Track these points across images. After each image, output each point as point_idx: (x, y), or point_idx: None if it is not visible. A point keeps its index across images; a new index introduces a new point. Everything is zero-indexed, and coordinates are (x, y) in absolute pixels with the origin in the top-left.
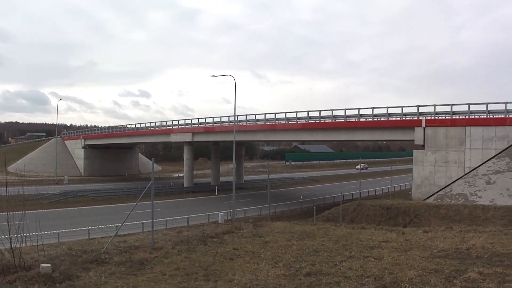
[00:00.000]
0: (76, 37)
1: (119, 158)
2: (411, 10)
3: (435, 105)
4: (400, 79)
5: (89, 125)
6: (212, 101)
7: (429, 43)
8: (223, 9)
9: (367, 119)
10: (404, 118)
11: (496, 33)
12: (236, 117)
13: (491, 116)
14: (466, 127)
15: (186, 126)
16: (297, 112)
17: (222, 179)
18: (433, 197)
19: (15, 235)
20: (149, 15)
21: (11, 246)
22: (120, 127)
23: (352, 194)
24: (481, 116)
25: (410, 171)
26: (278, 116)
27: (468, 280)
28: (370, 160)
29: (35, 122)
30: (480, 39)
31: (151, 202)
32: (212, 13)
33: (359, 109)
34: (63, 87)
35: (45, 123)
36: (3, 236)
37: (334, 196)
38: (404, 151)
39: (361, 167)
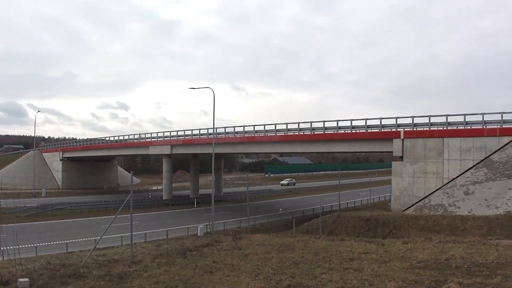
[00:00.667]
0: (54, 48)
1: (98, 170)
2: (387, 24)
3: (413, 117)
4: (377, 91)
5: (67, 138)
6: (191, 113)
7: (405, 56)
8: (200, 21)
9: (346, 131)
10: (382, 130)
11: (469, 45)
12: (215, 129)
13: (469, 127)
14: (444, 139)
15: (165, 138)
16: (276, 124)
17: (201, 191)
18: (412, 208)
19: None
20: (127, 26)
21: None
22: (99, 140)
23: (332, 206)
24: (459, 128)
25: (389, 182)
26: (257, 128)
27: None
28: (349, 171)
29: (13, 134)
30: (455, 52)
31: (130, 215)
32: (189, 24)
33: (337, 121)
34: (41, 99)
35: (23, 135)
36: None
37: (313, 208)
38: (383, 162)
39: (287, 182)
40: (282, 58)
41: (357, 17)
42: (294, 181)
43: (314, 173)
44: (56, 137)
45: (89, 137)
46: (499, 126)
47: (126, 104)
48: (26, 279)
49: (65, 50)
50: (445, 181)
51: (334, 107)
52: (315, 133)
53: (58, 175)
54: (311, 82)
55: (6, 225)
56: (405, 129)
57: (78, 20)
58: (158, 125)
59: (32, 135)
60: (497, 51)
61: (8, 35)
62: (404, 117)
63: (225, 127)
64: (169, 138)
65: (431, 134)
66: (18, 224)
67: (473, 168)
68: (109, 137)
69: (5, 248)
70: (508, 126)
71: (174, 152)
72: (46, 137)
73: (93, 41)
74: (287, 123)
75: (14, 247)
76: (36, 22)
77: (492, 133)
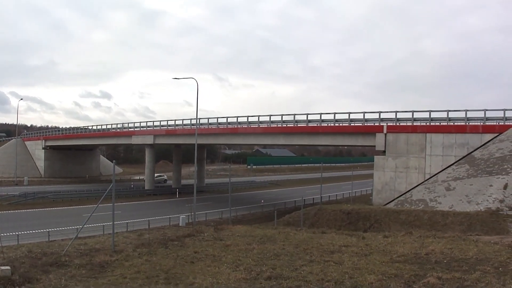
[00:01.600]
0: (35, 36)
1: (80, 159)
2: (371, 19)
3: (396, 112)
4: (361, 85)
5: (50, 126)
6: (174, 103)
7: (389, 51)
8: (184, 11)
9: (329, 124)
10: (365, 124)
11: (453, 42)
12: (198, 120)
13: (452, 124)
14: (427, 134)
15: (148, 128)
16: (259, 116)
17: (184, 182)
18: (393, 202)
19: None
20: (110, 15)
21: None
22: (81, 129)
23: (313, 198)
24: (442, 123)
25: (371, 176)
26: (240, 119)
27: (427, 285)
28: (332, 165)
29: None
30: (438, 49)
31: (112, 204)
32: (173, 15)
33: (321, 114)
34: (23, 86)
35: (5, 123)
36: None
37: (295, 200)
38: (366, 156)
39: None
40: (266, 50)
41: (341, 12)
42: (165, 177)
43: (296, 165)
44: (38, 125)
45: (72, 126)
46: (482, 123)
47: (109, 93)
48: (8, 267)
49: (47, 38)
50: (427, 177)
51: (318, 100)
52: (298, 125)
53: (40, 163)
54: (295, 75)
55: None
56: (388, 124)
57: (60, 8)
58: (141, 114)
59: (14, 123)
60: (480, 49)
61: None
62: (387, 112)
63: (208, 118)
64: (152, 128)
65: (414, 129)
66: None
67: (455, 164)
68: (92, 126)
69: None
70: (490, 123)
71: (157, 142)
72: (29, 125)
73: (75, 30)
74: (270, 115)
75: None
76: (17, 9)
77: (474, 129)
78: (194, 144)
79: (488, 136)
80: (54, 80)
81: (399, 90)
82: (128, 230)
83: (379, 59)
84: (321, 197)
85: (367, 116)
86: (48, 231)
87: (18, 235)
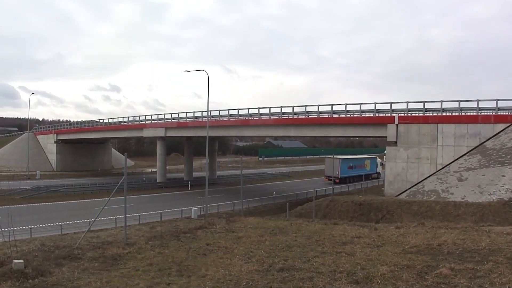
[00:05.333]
0: (41, 30)
1: (92, 153)
2: (377, 8)
3: (407, 102)
4: (369, 76)
5: (61, 120)
6: (183, 95)
7: (397, 41)
8: (189, 3)
9: (340, 115)
10: (377, 115)
11: (460, 31)
12: (209, 112)
13: (464, 114)
14: (439, 124)
15: (159, 121)
16: (270, 107)
17: (195, 174)
18: (405, 193)
19: None
20: (116, 8)
21: None
22: (93, 122)
23: (325, 189)
24: (453, 114)
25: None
26: (251, 111)
27: (439, 276)
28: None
29: (6, 116)
30: (446, 38)
31: (124, 197)
32: (179, 7)
33: (332, 105)
34: (32, 80)
35: (17, 118)
36: None
37: (307, 192)
38: (377, 147)
39: None
40: (273, 41)
41: (347, 1)
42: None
43: (308, 157)
44: (49, 119)
45: (83, 120)
46: (493, 113)
47: (118, 86)
48: (21, 261)
49: (53, 32)
50: (439, 167)
51: (327, 90)
52: (310, 117)
53: (52, 157)
54: (303, 65)
55: (0, 207)
56: (399, 114)
57: (65, 1)
58: (151, 107)
59: (25, 117)
60: (488, 38)
61: None
62: (398, 102)
63: (219, 110)
64: (163, 121)
65: (425, 120)
66: (12, 206)
67: (467, 154)
68: (103, 119)
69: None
70: (502, 113)
71: (168, 134)
72: (40, 119)
73: (81, 23)
74: (281, 107)
75: (9, 229)
76: (23, 3)
77: (486, 120)
78: (205, 136)
79: (500, 126)
80: (62, 74)
81: (408, 79)
82: (140, 222)
83: (386, 48)
84: (333, 188)
85: (378, 106)
86: (61, 225)
87: (31, 228)
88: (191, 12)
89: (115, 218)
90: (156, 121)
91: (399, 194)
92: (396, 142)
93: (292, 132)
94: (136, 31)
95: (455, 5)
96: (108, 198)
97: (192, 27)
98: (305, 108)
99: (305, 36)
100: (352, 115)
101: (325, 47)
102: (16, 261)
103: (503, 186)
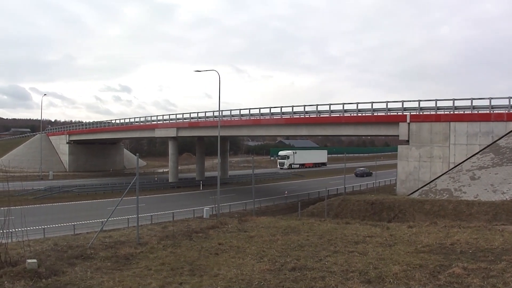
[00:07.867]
0: (51, 32)
1: (104, 153)
2: (385, 6)
3: (419, 101)
4: (380, 74)
5: (73, 121)
6: (194, 96)
7: (407, 39)
8: (198, 4)
9: (352, 114)
10: (388, 114)
11: (470, 30)
12: (220, 112)
13: (476, 112)
14: (451, 123)
15: (170, 121)
16: (281, 107)
17: (207, 174)
18: (417, 192)
19: (1, 231)
20: (124, 9)
21: None
22: (105, 123)
23: (337, 189)
24: (465, 112)
25: (394, 166)
26: (262, 111)
27: (452, 275)
28: (355, 155)
29: (18, 117)
30: (456, 36)
31: (136, 197)
32: (186, 7)
33: (343, 104)
34: (43, 82)
35: (29, 119)
36: None
37: (318, 191)
38: (389, 146)
39: None
40: (282, 40)
41: (355, 0)
42: None
43: None
44: (61, 120)
45: (95, 120)
46: (506, 111)
47: (129, 87)
48: (34, 260)
49: (62, 33)
50: (451, 166)
51: (337, 90)
52: (321, 116)
53: (64, 158)
54: (313, 65)
55: (14, 207)
56: (411, 113)
57: (74, 3)
58: (162, 107)
59: (38, 118)
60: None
61: (6, 20)
62: (410, 101)
63: (230, 110)
64: (174, 121)
65: (437, 118)
66: (26, 206)
67: (480, 153)
68: (115, 120)
69: (13, 230)
70: None
71: (180, 135)
72: (52, 120)
73: (90, 24)
74: (292, 106)
75: (22, 229)
76: (32, 6)
77: (499, 118)
78: (217, 136)
79: None
80: (73, 75)
81: (418, 78)
82: (153, 222)
83: (395, 47)
84: (345, 187)
85: (390, 105)
86: (74, 225)
87: (44, 228)
88: (199, 13)
89: (128, 218)
90: (168, 121)
91: (411, 193)
92: (408, 141)
93: (304, 131)
94: (145, 32)
95: (465, 3)
96: (120, 198)
97: (200, 28)
98: (317, 107)
99: (314, 36)
100: (363, 114)
101: (334, 46)
102: (29, 260)
103: None
